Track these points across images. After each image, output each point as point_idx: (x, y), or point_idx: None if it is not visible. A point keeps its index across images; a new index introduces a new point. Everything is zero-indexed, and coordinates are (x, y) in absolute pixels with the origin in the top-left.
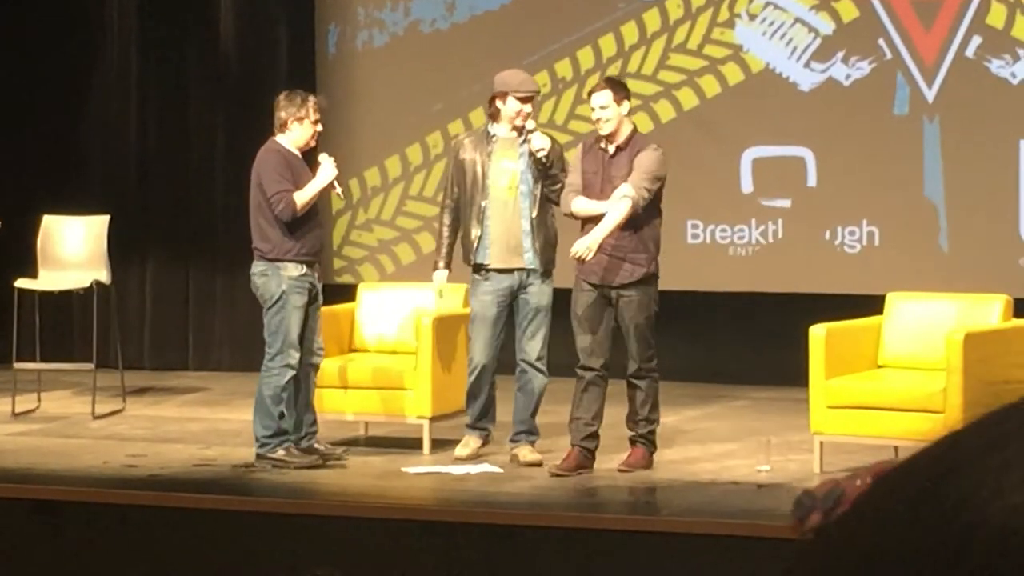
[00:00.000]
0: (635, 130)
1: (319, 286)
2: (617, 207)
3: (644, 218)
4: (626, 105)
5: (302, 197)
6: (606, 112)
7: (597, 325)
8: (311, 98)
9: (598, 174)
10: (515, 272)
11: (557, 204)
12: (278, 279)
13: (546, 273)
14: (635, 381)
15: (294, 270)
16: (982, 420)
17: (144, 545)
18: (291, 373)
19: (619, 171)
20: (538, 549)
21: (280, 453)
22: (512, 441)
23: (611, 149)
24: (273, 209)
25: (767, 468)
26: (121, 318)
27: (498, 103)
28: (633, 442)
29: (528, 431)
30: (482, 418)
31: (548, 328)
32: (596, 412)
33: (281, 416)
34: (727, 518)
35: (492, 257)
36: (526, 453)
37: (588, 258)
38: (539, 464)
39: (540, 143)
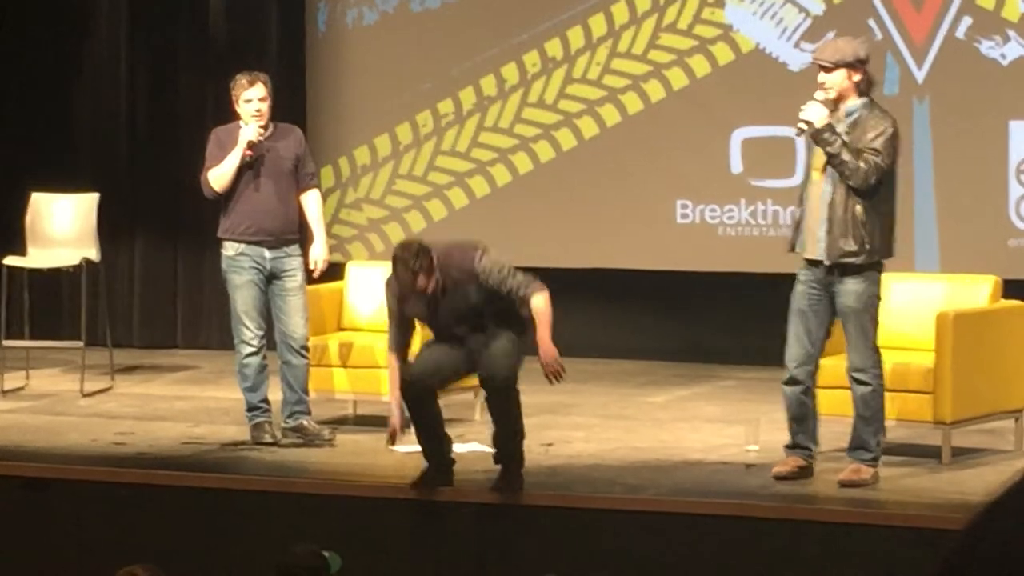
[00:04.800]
0: None
1: (288, 267)
2: None
3: None
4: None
5: (215, 171)
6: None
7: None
8: (242, 78)
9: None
10: (819, 266)
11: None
12: (223, 259)
13: (860, 269)
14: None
15: (229, 249)
16: None
17: (132, 522)
18: (248, 349)
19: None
20: (526, 528)
21: (256, 425)
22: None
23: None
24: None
25: (756, 448)
26: (110, 296)
27: None
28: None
29: (862, 447)
30: (802, 433)
31: (863, 333)
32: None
33: (249, 391)
34: (715, 498)
35: (805, 245)
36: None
37: None
38: (876, 481)
39: (806, 114)
